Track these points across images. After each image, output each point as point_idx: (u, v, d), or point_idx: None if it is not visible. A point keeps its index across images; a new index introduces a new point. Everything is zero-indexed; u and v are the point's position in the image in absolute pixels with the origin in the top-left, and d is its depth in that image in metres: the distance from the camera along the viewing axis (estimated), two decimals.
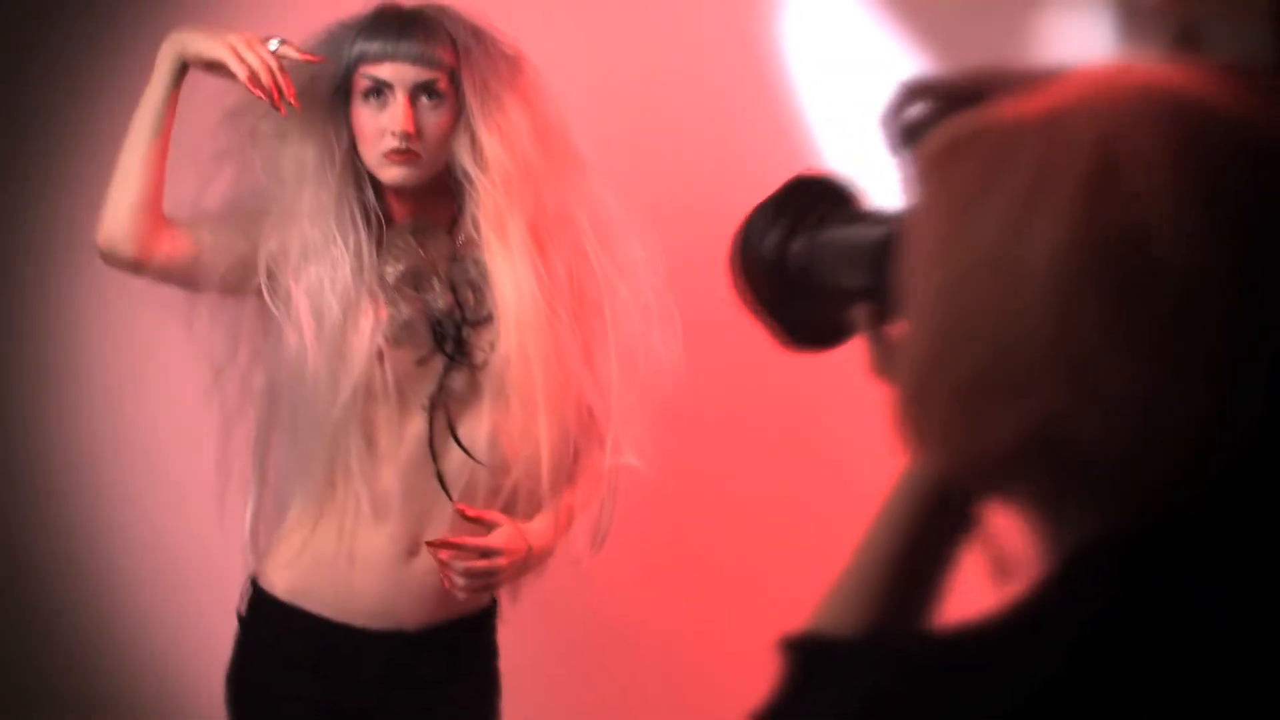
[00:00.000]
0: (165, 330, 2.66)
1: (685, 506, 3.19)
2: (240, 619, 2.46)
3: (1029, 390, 0.91)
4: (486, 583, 2.32)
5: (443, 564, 2.29)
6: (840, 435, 3.05)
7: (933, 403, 0.96)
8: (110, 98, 3.18)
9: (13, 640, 3.29)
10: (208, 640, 2.61)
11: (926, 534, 1.10)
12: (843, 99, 3.26)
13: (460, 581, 2.29)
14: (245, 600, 2.46)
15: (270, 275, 2.31)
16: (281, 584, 2.42)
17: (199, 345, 2.45)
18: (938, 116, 1.08)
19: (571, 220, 2.40)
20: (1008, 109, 0.96)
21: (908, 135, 1.10)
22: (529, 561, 2.35)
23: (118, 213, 2.32)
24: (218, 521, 2.48)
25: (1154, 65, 0.97)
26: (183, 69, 2.33)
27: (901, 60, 3.24)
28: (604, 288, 2.41)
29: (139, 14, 3.17)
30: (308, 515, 2.39)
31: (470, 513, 2.31)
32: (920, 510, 1.10)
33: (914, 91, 1.12)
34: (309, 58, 2.31)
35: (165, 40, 2.34)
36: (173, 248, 2.34)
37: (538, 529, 2.37)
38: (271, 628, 2.43)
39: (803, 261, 1.24)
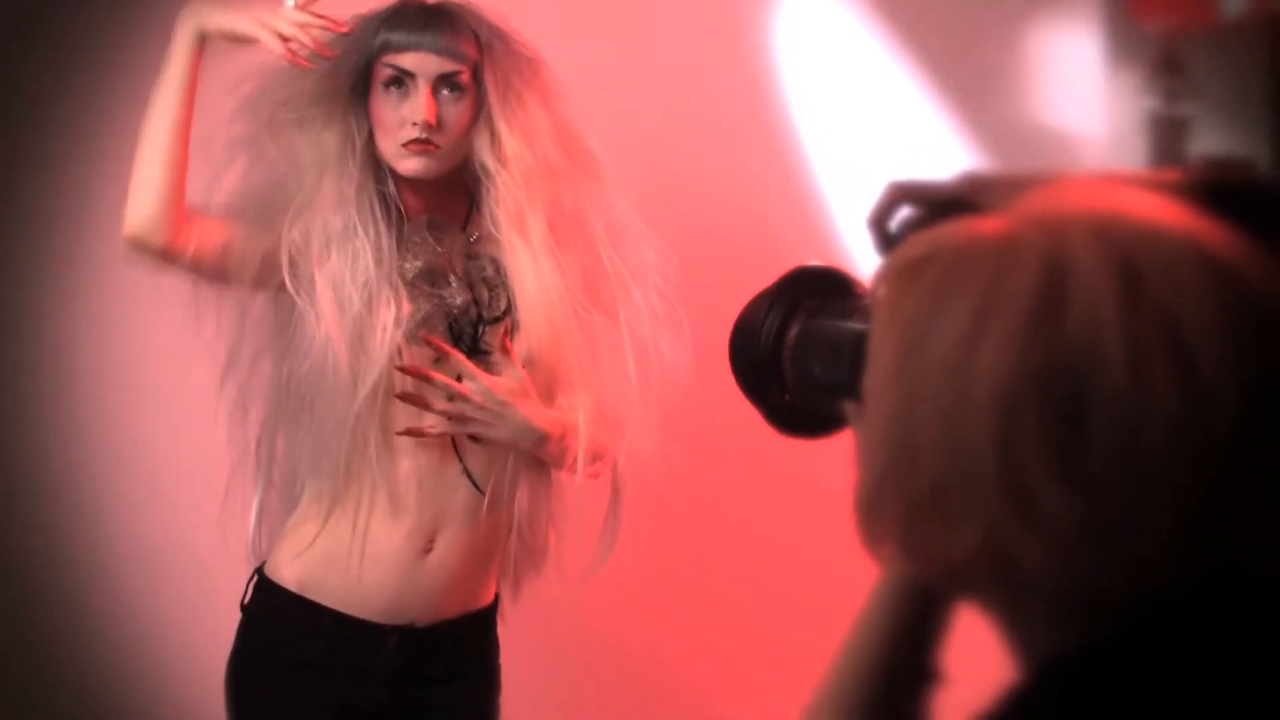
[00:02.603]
0: (162, 326, 2.64)
1: (688, 516, 3.19)
2: (245, 610, 2.44)
3: (975, 512, 0.91)
4: (460, 414, 2.29)
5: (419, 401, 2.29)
6: (844, 454, 3.07)
7: (887, 516, 0.96)
8: (109, 95, 3.19)
9: (8, 636, 3.24)
10: (206, 634, 2.60)
11: (907, 637, 1.11)
12: (840, 116, 3.29)
13: (439, 405, 2.28)
14: (250, 591, 2.44)
15: (293, 264, 2.29)
16: (291, 576, 2.39)
17: (200, 340, 2.42)
18: (920, 222, 1.10)
19: (586, 222, 2.40)
20: (964, 229, 0.96)
21: (891, 241, 1.12)
22: (504, 414, 2.30)
23: (144, 200, 2.27)
24: (215, 515, 2.46)
25: (1108, 184, 0.97)
26: (201, 44, 2.29)
27: (894, 79, 3.28)
28: (617, 291, 2.41)
29: (137, 12, 3.16)
30: (320, 508, 2.37)
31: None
32: (898, 613, 1.11)
33: (899, 194, 1.13)
34: (328, 21, 2.29)
35: (181, 16, 2.29)
36: (203, 239, 2.30)
37: (533, 399, 2.34)
38: (278, 620, 2.40)
39: (794, 352, 1.26)
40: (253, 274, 2.31)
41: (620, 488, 2.45)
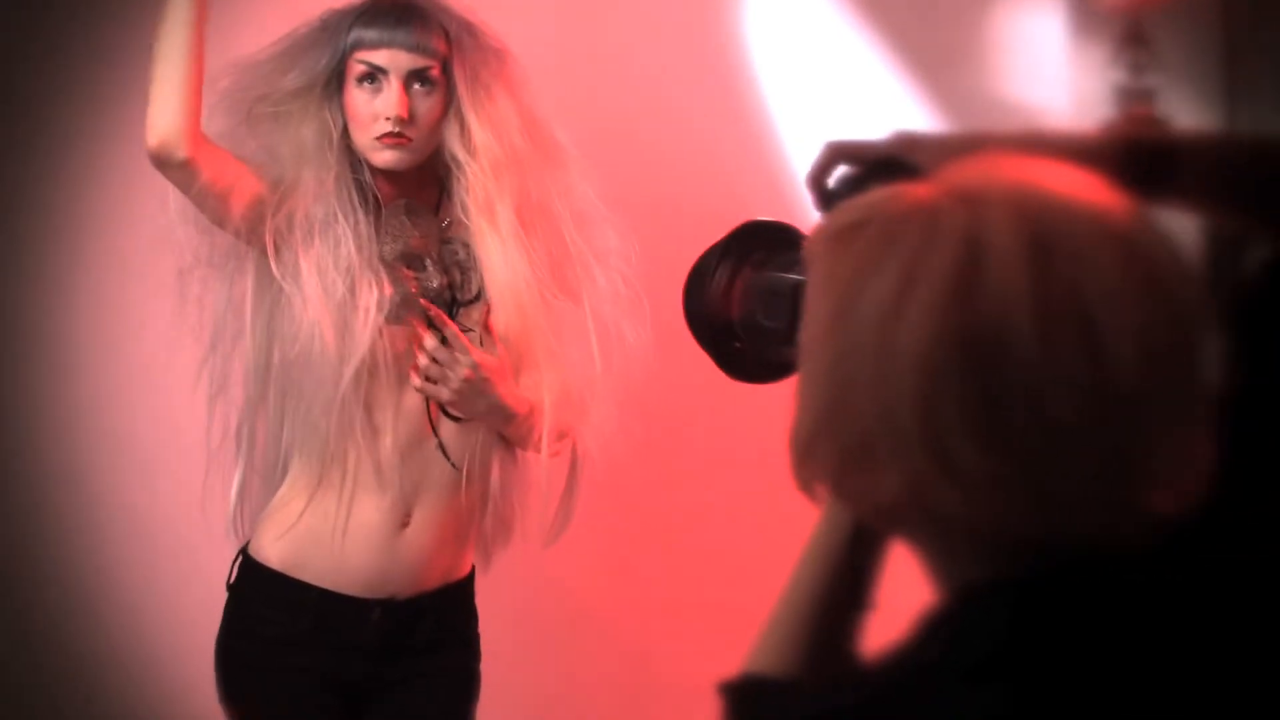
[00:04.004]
0: (150, 311, 2.70)
1: (649, 491, 3.27)
2: (231, 589, 2.52)
3: (898, 461, 1.01)
4: (441, 375, 2.38)
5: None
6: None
7: (819, 462, 1.06)
8: (103, 86, 3.23)
9: None
10: (194, 612, 2.66)
11: (844, 570, 1.19)
12: (807, 94, 3.33)
13: (423, 361, 2.37)
14: (235, 571, 2.52)
15: (278, 250, 2.36)
16: (275, 555, 2.48)
17: (184, 324, 2.49)
18: (857, 181, 1.19)
19: (552, 208, 2.49)
20: (894, 197, 1.05)
21: (830, 198, 1.22)
22: (483, 389, 2.39)
23: (165, 113, 2.30)
24: (200, 498, 2.52)
25: (1029, 159, 1.05)
26: None
27: (862, 56, 3.33)
28: (581, 274, 2.50)
29: (134, 9, 3.21)
30: (303, 488, 2.46)
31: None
32: (836, 550, 1.19)
33: (836, 153, 1.23)
34: None
35: None
36: (218, 165, 2.34)
37: (509, 379, 2.43)
38: (264, 598, 2.48)
39: (742, 301, 1.34)
40: (242, 216, 2.35)
41: (579, 463, 2.54)
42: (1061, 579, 1.01)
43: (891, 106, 3.31)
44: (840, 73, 3.34)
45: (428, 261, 2.45)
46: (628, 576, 3.36)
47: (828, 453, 1.05)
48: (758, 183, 3.29)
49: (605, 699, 3.36)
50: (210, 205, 2.36)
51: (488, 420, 2.45)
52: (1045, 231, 1.00)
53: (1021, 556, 1.02)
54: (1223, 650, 1.02)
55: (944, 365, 0.99)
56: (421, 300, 2.40)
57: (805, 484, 1.09)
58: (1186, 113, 3.08)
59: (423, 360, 2.38)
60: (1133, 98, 3.26)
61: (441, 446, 2.46)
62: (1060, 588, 1.01)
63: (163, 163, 2.32)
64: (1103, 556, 1.02)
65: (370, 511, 2.45)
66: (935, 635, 1.03)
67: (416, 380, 2.40)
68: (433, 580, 2.51)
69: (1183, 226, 1.32)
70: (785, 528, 1.70)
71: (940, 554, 1.07)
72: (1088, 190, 1.04)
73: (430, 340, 2.38)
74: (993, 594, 1.02)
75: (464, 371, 2.38)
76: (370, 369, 2.39)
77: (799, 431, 1.08)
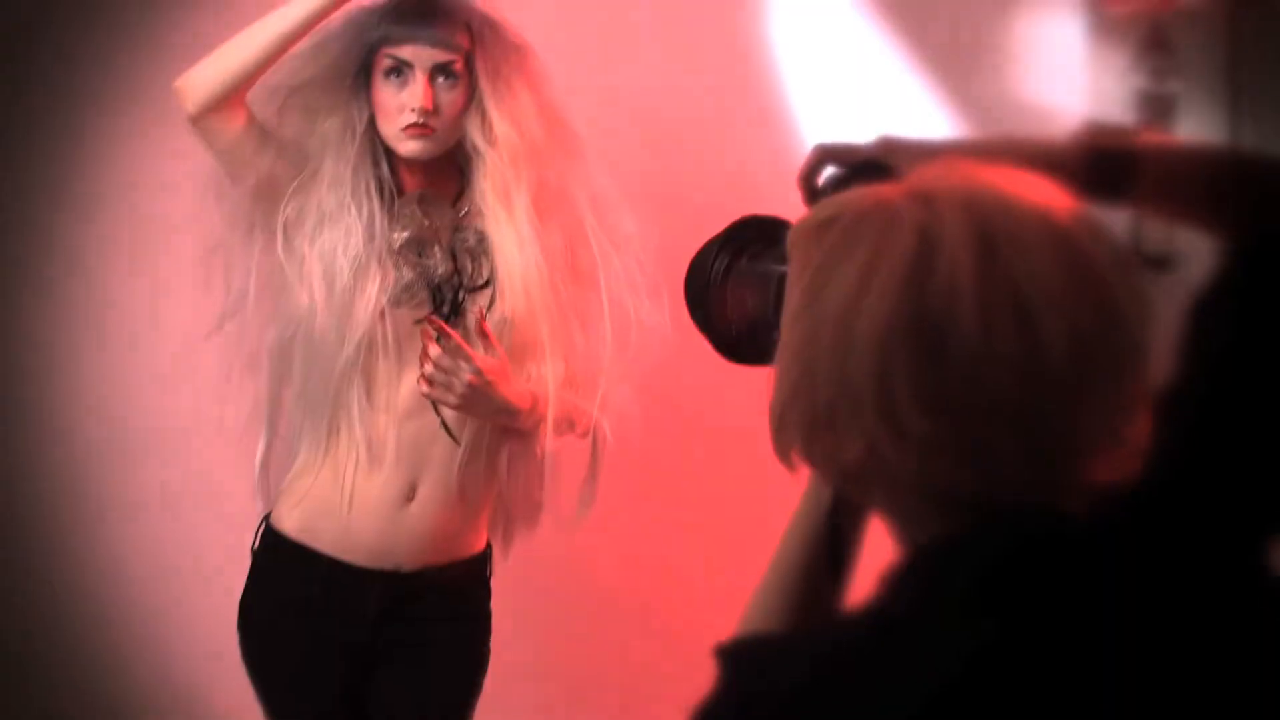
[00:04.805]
0: (153, 309, 2.78)
1: (669, 472, 3.33)
2: (253, 554, 2.64)
3: (858, 429, 1.12)
4: (447, 382, 2.42)
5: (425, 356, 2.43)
6: None
7: (792, 429, 1.18)
8: (104, 86, 3.31)
9: (20, 586, 3.36)
10: (195, 614, 2.83)
11: (825, 538, 1.31)
12: (824, 86, 3.39)
13: (428, 369, 2.42)
14: (258, 538, 2.63)
15: (287, 237, 2.47)
16: (291, 524, 2.59)
17: (212, 300, 2.59)
18: (842, 180, 1.30)
19: (569, 196, 2.57)
20: (862, 196, 1.16)
21: (817, 196, 1.32)
22: (486, 392, 2.43)
23: (207, 72, 2.43)
24: (232, 469, 2.63)
25: (986, 165, 1.16)
26: None
27: (881, 56, 3.38)
28: (598, 260, 2.58)
29: (134, 9, 3.31)
30: (313, 461, 2.56)
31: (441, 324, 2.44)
32: (818, 519, 1.32)
33: (824, 154, 1.34)
34: None
35: None
36: (240, 130, 2.46)
37: (510, 378, 2.48)
38: (281, 564, 2.60)
39: (734, 288, 1.45)
40: (254, 184, 2.47)
41: (599, 447, 2.61)
42: (1009, 537, 1.12)
43: (910, 107, 3.35)
44: (860, 72, 3.38)
45: (435, 248, 2.53)
46: (646, 555, 3.41)
47: (798, 421, 1.17)
48: (775, 174, 3.31)
49: (622, 676, 3.42)
50: (231, 169, 2.49)
51: (493, 420, 2.52)
52: (991, 227, 1.11)
53: (973, 516, 1.12)
54: (1159, 606, 1.13)
55: (897, 342, 1.10)
56: (428, 316, 2.47)
57: (782, 452, 1.21)
58: (1205, 117, 3.12)
59: (428, 367, 2.44)
60: (1152, 103, 3.30)
61: (445, 424, 2.54)
62: (1008, 545, 1.12)
63: (179, 103, 2.45)
64: (1047, 518, 1.12)
65: (374, 485, 2.54)
66: (901, 590, 1.13)
67: (424, 387, 2.45)
68: (440, 554, 2.60)
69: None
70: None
71: (898, 513, 1.18)
72: (1034, 191, 1.15)
73: (434, 348, 2.43)
74: (948, 551, 1.13)
75: (467, 377, 2.43)
76: (370, 350, 2.48)
77: (775, 403, 1.20)
